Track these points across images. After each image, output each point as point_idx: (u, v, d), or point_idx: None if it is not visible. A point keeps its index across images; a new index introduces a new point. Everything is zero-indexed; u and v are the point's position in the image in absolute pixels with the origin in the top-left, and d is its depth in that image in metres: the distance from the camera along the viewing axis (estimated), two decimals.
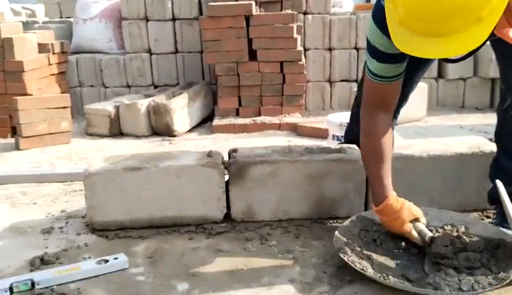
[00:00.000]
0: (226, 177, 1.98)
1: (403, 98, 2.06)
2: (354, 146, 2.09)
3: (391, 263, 1.60)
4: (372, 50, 1.58)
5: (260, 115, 4.00)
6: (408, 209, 1.64)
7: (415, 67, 1.92)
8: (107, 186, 1.92)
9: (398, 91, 1.67)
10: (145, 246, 1.83)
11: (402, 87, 1.89)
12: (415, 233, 1.63)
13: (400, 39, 1.24)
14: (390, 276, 1.47)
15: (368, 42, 1.59)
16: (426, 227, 1.66)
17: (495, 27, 1.17)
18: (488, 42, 1.69)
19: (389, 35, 1.30)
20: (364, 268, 1.51)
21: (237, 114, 4.03)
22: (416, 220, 1.65)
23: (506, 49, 1.67)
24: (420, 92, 3.97)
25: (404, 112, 3.89)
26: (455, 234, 1.61)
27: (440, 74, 4.43)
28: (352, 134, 2.17)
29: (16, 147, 3.45)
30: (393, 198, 1.64)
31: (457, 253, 1.54)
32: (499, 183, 1.58)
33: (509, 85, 1.77)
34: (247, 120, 3.90)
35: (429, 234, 1.62)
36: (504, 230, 1.68)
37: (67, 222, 2.09)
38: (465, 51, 1.18)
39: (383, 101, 1.66)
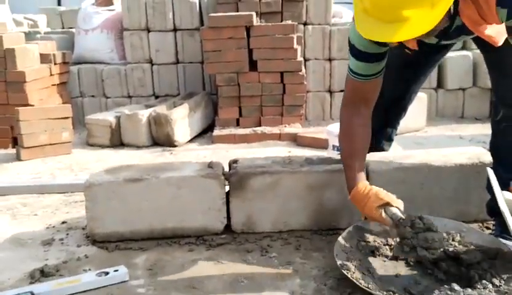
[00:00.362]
0: (227, 188, 1.98)
1: (402, 110, 2.08)
2: None
3: (391, 276, 1.60)
4: (352, 49, 1.65)
5: (260, 125, 4.01)
6: (375, 194, 1.62)
7: (411, 77, 1.94)
8: (108, 197, 1.92)
9: (377, 90, 1.72)
10: (145, 258, 1.83)
11: (400, 99, 1.91)
12: (386, 218, 1.60)
13: (363, 27, 1.33)
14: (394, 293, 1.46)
15: (349, 41, 1.66)
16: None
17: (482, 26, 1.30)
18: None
19: None
20: (368, 284, 1.50)
21: (238, 124, 4.05)
22: (387, 204, 1.61)
23: (495, 60, 1.72)
24: (420, 102, 3.98)
25: (404, 122, 3.91)
26: (418, 215, 1.61)
27: (440, 84, 4.45)
28: None
29: (18, 158, 3.46)
30: (361, 185, 1.65)
31: (418, 233, 1.55)
32: (490, 171, 1.57)
33: (500, 97, 1.79)
34: (248, 130, 3.91)
35: (401, 217, 1.59)
36: (503, 240, 1.68)
37: (67, 234, 2.09)
38: (418, 34, 1.27)
39: (362, 98, 1.72)
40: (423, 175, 2.01)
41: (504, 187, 1.75)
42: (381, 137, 2.14)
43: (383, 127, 2.12)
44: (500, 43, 1.45)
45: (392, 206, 1.63)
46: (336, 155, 2.40)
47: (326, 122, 4.15)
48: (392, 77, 1.80)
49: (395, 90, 1.96)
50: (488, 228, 1.97)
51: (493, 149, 1.85)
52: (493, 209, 1.86)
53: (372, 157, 2.11)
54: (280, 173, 1.97)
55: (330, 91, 4.45)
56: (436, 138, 3.74)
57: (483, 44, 1.60)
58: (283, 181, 1.95)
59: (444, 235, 1.65)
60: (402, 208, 1.64)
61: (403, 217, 1.60)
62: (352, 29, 1.62)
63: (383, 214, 1.61)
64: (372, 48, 1.58)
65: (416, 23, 1.25)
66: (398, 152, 2.54)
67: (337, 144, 3.04)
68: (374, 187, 1.65)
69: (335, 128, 3.16)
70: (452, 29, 1.47)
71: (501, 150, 1.80)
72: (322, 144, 3.45)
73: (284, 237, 1.95)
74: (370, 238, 1.75)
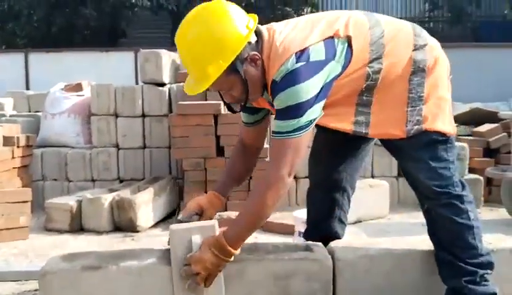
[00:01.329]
0: None
1: (342, 190, 2.17)
2: (320, 244, 2.09)
3: None
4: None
5: (226, 210, 3.98)
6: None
7: (328, 159, 2.12)
8: (63, 286, 1.81)
9: (256, 135, 2.07)
10: None
11: (331, 179, 2.13)
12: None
13: (187, 85, 1.77)
14: None
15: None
16: None
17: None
18: None
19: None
20: None
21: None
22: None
23: (396, 154, 1.97)
24: (382, 190, 4.09)
25: (367, 209, 4.00)
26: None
27: (400, 173, 4.59)
28: (308, 235, 2.21)
29: None
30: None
31: None
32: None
33: (413, 187, 1.93)
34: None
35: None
36: None
37: None
38: (193, 92, 1.70)
39: (246, 139, 2.08)
40: (389, 263, 2.00)
41: (442, 263, 1.89)
42: (332, 222, 2.18)
43: (330, 211, 2.17)
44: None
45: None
46: (302, 241, 2.38)
47: (292, 208, 4.16)
48: (314, 160, 2.14)
49: (320, 172, 2.16)
50: None
51: (431, 234, 1.94)
52: None
53: (337, 243, 2.11)
54: (245, 260, 1.92)
55: (296, 177, 4.50)
56: (400, 225, 3.80)
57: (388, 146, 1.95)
58: (248, 269, 1.90)
59: None
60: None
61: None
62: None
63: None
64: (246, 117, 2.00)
65: (198, 83, 1.68)
66: (363, 240, 2.55)
67: (303, 229, 3.03)
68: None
69: (301, 213, 3.17)
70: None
71: (438, 233, 1.90)
72: (288, 230, 3.43)
73: None
74: None
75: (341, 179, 2.13)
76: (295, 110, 1.66)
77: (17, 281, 2.52)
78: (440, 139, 1.83)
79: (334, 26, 1.74)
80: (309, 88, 1.65)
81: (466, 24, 13.38)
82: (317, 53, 1.67)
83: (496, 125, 4.91)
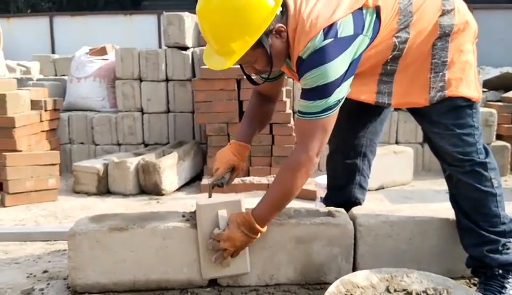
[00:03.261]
0: None
1: (363, 156, 2.14)
2: (342, 210, 2.10)
3: None
4: None
5: (248, 175, 4.02)
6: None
7: (347, 125, 2.06)
8: (92, 247, 1.89)
9: (273, 87, 2.07)
10: None
11: (351, 145, 2.13)
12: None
13: (209, 59, 1.71)
14: None
15: None
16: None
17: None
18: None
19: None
20: None
21: None
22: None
23: (422, 128, 1.94)
24: (406, 156, 4.04)
25: (391, 176, 3.96)
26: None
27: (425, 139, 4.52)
28: (328, 201, 2.22)
29: (1, 204, 3.40)
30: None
31: None
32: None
33: (436, 154, 1.93)
34: (236, 180, 3.89)
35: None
36: None
37: (48, 284, 2.03)
38: (217, 68, 1.66)
39: (263, 91, 2.07)
40: (410, 230, 2.01)
41: (463, 231, 1.88)
42: (352, 187, 2.19)
43: (351, 176, 2.18)
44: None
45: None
46: (324, 207, 2.40)
47: (314, 174, 4.14)
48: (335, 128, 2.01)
49: (339, 137, 2.08)
50: (475, 284, 1.96)
51: (453, 200, 1.92)
52: (471, 266, 1.91)
53: (359, 210, 2.12)
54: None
55: None
56: (423, 192, 3.77)
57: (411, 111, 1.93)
58: (270, 233, 1.93)
59: (432, 291, 1.64)
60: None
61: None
62: None
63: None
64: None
65: (224, 59, 1.63)
66: (385, 206, 2.55)
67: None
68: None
69: (323, 180, 3.17)
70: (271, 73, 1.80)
71: (460, 199, 1.88)
72: (310, 196, 3.44)
73: (270, 291, 1.92)
74: (358, 291, 1.72)
75: (361, 144, 2.12)
76: (323, 91, 1.62)
77: (47, 241, 2.61)
78: (465, 105, 1.79)
79: None
80: (337, 66, 1.60)
81: None
82: (346, 28, 1.60)
83: None
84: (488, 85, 5.32)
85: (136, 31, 8.57)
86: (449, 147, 1.82)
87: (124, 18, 9.03)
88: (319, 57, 1.59)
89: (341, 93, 1.65)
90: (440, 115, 1.80)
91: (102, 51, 4.93)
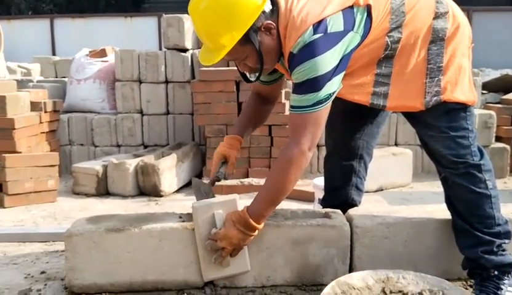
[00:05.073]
0: None
1: (359, 157, 2.15)
2: (338, 211, 2.10)
3: None
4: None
5: (247, 176, 4.02)
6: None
7: (341, 127, 2.12)
8: (88, 247, 1.89)
9: (272, 90, 2.11)
10: None
11: (347, 147, 2.15)
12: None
13: (201, 54, 1.74)
14: None
15: None
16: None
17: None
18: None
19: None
20: None
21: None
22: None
23: (414, 124, 1.94)
24: (405, 158, 4.05)
25: (390, 177, 3.97)
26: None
27: None
28: (325, 202, 2.22)
29: (1, 205, 3.41)
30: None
31: None
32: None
33: (431, 156, 1.93)
34: (235, 182, 3.91)
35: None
36: None
37: (45, 284, 2.04)
38: (207, 63, 1.69)
39: (263, 92, 2.11)
40: (407, 231, 2.01)
41: (459, 232, 1.89)
42: (349, 189, 2.20)
43: (347, 178, 2.19)
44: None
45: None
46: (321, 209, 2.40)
47: (313, 175, 4.17)
48: (331, 127, 2.09)
49: (336, 139, 2.16)
50: (472, 286, 1.96)
51: (448, 202, 1.93)
52: (467, 267, 1.91)
53: (356, 211, 2.12)
54: (264, 225, 1.95)
55: (318, 145, 4.50)
56: (422, 194, 3.77)
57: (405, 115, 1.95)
58: (266, 235, 1.94)
59: (427, 292, 1.64)
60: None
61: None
62: None
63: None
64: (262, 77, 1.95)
65: (215, 54, 1.65)
66: (383, 208, 2.56)
67: None
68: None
69: (321, 181, 3.17)
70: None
71: (455, 201, 1.89)
72: (308, 197, 3.45)
73: (266, 292, 1.92)
74: (353, 293, 1.73)
75: (357, 146, 2.13)
76: (314, 84, 1.64)
77: (45, 242, 2.62)
78: (459, 108, 1.80)
79: None
80: (327, 60, 1.62)
81: None
82: (336, 24, 1.63)
83: None
84: (487, 87, 5.33)
85: (137, 33, 8.60)
86: (443, 150, 1.82)
87: (124, 20, 9.07)
88: (309, 51, 1.62)
89: (332, 87, 1.66)
90: (434, 118, 1.81)
91: (102, 53, 4.95)
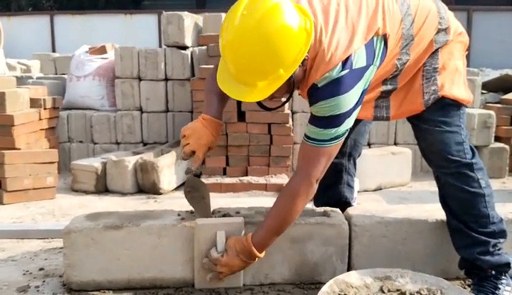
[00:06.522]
0: None
1: (348, 156, 2.20)
2: (337, 210, 2.11)
3: None
4: None
5: (247, 175, 4.02)
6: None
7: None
8: (87, 244, 1.89)
9: None
10: None
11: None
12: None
13: (226, 84, 1.62)
14: None
15: None
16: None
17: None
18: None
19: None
20: None
21: (225, 173, 4.05)
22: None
23: (415, 134, 1.95)
24: (404, 158, 4.05)
25: (389, 176, 3.96)
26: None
27: None
28: (318, 201, 2.22)
29: None
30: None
31: None
32: None
33: (424, 155, 1.96)
34: (234, 180, 3.91)
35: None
36: None
37: (44, 281, 2.04)
38: (251, 100, 1.59)
39: None
40: (405, 230, 2.01)
41: (454, 232, 1.90)
42: (341, 187, 2.21)
43: (338, 177, 2.20)
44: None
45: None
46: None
47: None
48: None
49: None
50: (470, 285, 1.96)
51: (443, 201, 1.94)
52: (464, 267, 1.91)
53: (354, 210, 2.12)
54: None
55: None
56: (420, 194, 3.77)
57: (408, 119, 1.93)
58: None
59: (425, 291, 1.65)
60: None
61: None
62: None
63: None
64: None
65: (261, 90, 1.56)
66: (382, 207, 2.56)
67: None
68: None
69: None
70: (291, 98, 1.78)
71: (449, 200, 1.90)
72: None
73: (264, 290, 1.92)
74: (351, 291, 1.73)
75: (345, 145, 2.12)
76: (335, 120, 1.63)
77: (44, 238, 2.62)
78: (454, 105, 1.83)
79: (374, 22, 1.66)
80: (351, 98, 1.61)
81: None
82: (360, 59, 1.62)
83: None
84: (487, 86, 5.32)
85: (137, 30, 8.58)
86: (437, 144, 1.84)
87: (124, 17, 9.04)
88: (335, 88, 1.60)
89: (350, 122, 1.67)
90: (430, 112, 1.84)
91: (102, 50, 4.94)
